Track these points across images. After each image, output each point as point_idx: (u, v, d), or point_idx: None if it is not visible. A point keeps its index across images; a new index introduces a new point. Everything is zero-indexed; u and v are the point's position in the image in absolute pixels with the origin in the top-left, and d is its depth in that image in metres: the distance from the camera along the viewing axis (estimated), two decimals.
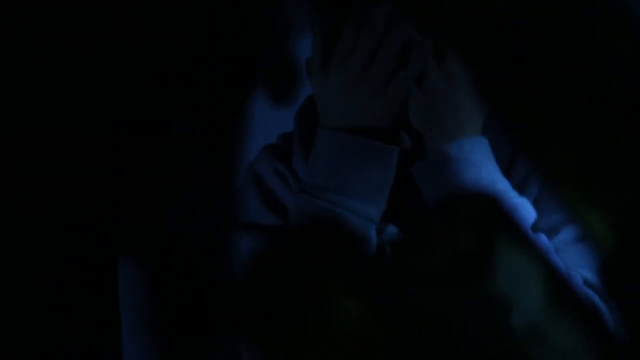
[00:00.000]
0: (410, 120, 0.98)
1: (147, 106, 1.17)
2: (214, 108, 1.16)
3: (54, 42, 1.12)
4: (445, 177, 0.96)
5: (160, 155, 1.16)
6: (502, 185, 0.97)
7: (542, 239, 0.98)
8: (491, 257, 0.92)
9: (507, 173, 1.01)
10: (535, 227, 0.99)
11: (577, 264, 0.98)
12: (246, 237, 1.04)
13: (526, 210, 0.97)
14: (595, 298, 0.95)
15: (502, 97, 0.95)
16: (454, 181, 0.96)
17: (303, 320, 0.97)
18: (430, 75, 0.97)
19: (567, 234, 1.00)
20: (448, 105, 0.97)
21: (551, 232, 1.01)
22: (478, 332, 0.94)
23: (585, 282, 0.98)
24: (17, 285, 1.17)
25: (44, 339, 1.17)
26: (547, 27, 0.91)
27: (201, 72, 1.16)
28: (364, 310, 0.97)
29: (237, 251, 1.03)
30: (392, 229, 1.02)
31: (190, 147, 1.16)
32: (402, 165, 0.99)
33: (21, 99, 1.16)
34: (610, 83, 0.90)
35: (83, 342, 1.18)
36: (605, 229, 0.91)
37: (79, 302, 1.17)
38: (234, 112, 1.13)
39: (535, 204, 1.00)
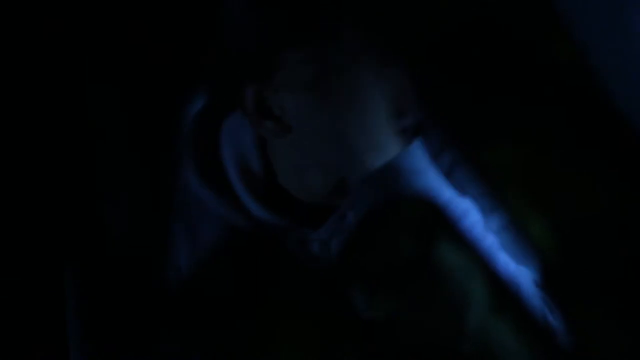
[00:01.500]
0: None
1: (76, 107, 1.17)
2: (149, 111, 1.16)
3: None
4: (387, 187, 0.99)
5: (89, 160, 1.17)
6: (447, 192, 1.01)
7: (489, 240, 1.02)
8: (433, 261, 0.95)
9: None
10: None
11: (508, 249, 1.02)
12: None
13: (471, 214, 1.01)
14: (541, 300, 0.99)
15: (439, 101, 0.98)
16: (397, 190, 0.99)
17: (247, 330, 0.99)
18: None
19: (494, 221, 1.04)
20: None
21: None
22: (422, 333, 0.97)
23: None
24: None
25: None
26: (480, 32, 0.95)
27: (137, 72, 1.17)
28: (308, 315, 1.00)
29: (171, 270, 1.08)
30: (324, 233, 1.06)
31: (126, 151, 1.17)
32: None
33: None
34: (544, 84, 0.94)
35: (29, 346, 1.18)
36: (547, 233, 0.95)
37: (24, 307, 1.18)
38: (171, 117, 1.14)
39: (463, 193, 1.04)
